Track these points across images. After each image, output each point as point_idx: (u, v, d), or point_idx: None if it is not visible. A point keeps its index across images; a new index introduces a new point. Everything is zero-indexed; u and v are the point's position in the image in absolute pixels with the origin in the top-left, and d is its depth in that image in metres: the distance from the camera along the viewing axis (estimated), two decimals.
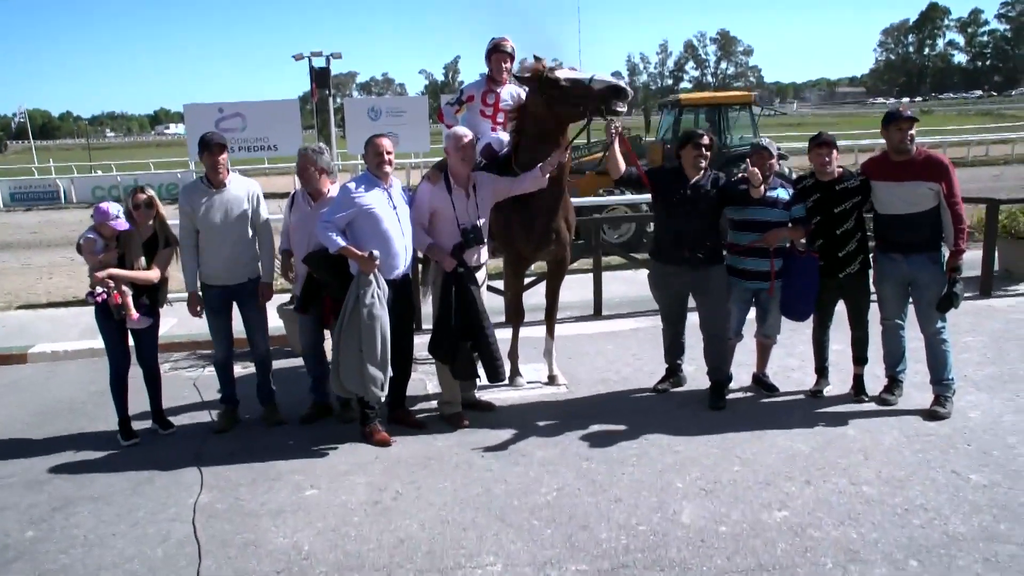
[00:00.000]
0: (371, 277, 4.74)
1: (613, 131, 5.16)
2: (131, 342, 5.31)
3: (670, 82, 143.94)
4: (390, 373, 4.92)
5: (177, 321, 7.71)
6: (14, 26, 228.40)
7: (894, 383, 5.40)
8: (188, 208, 5.23)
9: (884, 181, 5.11)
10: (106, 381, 5.30)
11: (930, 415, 5.07)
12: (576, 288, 8.51)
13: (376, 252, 4.74)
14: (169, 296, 5.52)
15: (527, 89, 5.37)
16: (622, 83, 4.98)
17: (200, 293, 5.40)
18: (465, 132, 5.21)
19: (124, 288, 5.05)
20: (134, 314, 5.08)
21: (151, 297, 5.25)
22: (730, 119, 14.47)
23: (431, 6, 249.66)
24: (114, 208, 5.04)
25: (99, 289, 4.98)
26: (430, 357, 5.50)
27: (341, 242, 4.75)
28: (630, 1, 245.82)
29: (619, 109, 4.99)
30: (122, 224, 5.03)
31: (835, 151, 5.28)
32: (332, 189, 5.31)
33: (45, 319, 9.09)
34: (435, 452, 4.93)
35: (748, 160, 5.25)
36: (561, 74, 5.05)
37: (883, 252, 5.23)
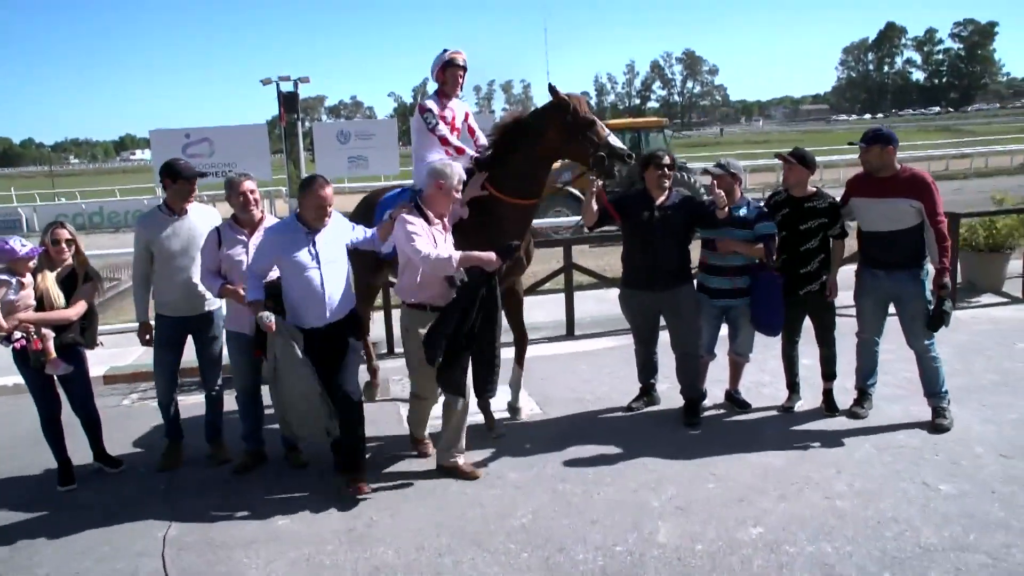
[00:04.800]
0: (275, 333, 4.49)
1: (594, 188, 5.11)
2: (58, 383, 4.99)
3: (637, 102, 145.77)
4: (336, 418, 4.63)
5: (145, 351, 7.57)
6: None
7: (864, 396, 5.47)
8: (145, 236, 5.10)
9: (867, 198, 5.17)
10: (70, 412, 5.10)
11: (934, 428, 5.11)
12: (549, 307, 8.52)
13: (267, 314, 4.45)
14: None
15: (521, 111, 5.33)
16: (628, 152, 4.96)
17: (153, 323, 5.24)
18: (462, 174, 4.88)
19: (44, 331, 4.75)
20: (54, 356, 4.76)
21: (82, 335, 4.94)
22: (649, 140, 17.68)
23: (399, 29, 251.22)
24: (16, 242, 4.74)
25: (17, 335, 4.67)
26: (404, 392, 5.26)
27: (249, 289, 4.60)
28: (596, 22, 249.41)
29: (615, 171, 5.02)
30: (32, 250, 4.74)
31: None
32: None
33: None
34: (407, 477, 4.89)
35: (713, 181, 5.26)
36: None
37: (865, 267, 5.29)
